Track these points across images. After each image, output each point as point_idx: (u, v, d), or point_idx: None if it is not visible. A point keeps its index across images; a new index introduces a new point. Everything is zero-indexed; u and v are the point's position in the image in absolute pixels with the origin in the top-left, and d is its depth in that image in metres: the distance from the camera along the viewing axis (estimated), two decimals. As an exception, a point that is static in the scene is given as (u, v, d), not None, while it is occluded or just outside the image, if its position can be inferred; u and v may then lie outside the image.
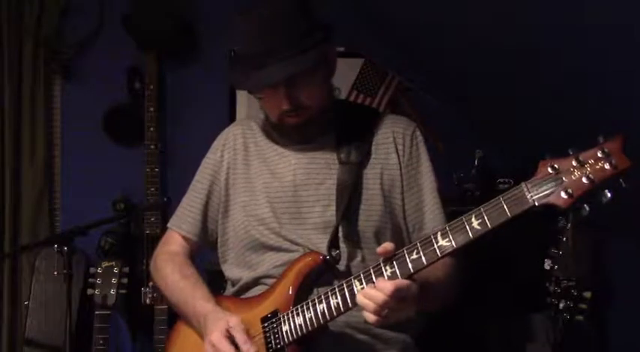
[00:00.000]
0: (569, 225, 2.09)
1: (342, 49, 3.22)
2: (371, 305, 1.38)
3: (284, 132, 1.71)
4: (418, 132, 1.75)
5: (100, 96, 3.13)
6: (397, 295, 1.36)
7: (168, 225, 1.86)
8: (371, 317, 1.39)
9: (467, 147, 2.96)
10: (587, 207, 1.26)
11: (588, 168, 1.24)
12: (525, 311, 2.46)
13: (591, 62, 2.07)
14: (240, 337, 1.53)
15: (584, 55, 2.07)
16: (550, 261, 2.09)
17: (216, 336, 1.55)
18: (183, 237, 1.82)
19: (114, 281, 2.43)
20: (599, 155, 1.24)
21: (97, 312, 2.43)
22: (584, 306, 2.04)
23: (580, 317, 2.04)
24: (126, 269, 2.46)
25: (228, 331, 1.54)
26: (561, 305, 2.04)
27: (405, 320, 1.59)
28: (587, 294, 2.04)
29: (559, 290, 2.05)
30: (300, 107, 1.62)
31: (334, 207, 1.63)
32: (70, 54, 3.12)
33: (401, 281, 1.38)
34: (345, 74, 3.21)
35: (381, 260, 1.43)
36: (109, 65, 3.13)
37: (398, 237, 1.67)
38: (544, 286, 2.10)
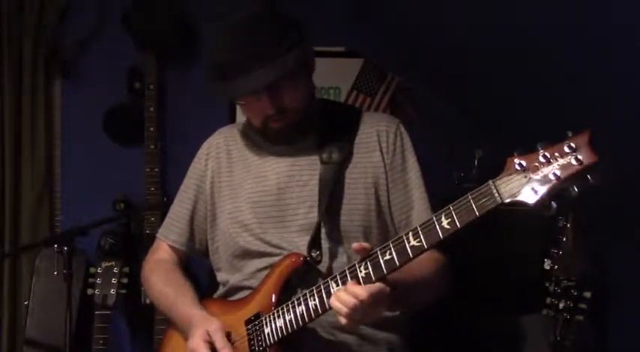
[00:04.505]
0: (569, 225, 2.09)
1: (342, 49, 3.23)
2: (343, 309, 1.39)
3: (267, 135, 1.71)
4: (402, 129, 1.75)
5: (100, 96, 3.13)
6: (369, 299, 1.37)
7: (157, 234, 1.88)
8: (343, 321, 1.40)
9: (467, 147, 2.96)
10: (554, 204, 1.24)
11: (555, 164, 1.22)
12: (524, 311, 2.46)
13: (592, 62, 2.07)
14: (218, 341, 1.54)
15: (584, 55, 2.07)
16: (550, 261, 2.09)
17: (195, 342, 1.56)
18: (171, 247, 1.84)
19: (114, 281, 2.43)
20: (566, 150, 1.21)
21: (97, 312, 2.43)
22: (584, 306, 2.04)
23: (580, 317, 2.04)
24: (126, 270, 2.47)
25: (208, 335, 1.55)
26: (561, 305, 2.04)
27: (393, 319, 1.60)
28: (587, 294, 2.04)
29: (559, 290, 2.06)
30: (284, 111, 1.61)
31: (317, 208, 1.63)
32: (70, 54, 3.12)
33: (372, 286, 1.39)
34: (345, 74, 3.20)
35: (356, 261, 1.44)
36: (109, 65, 3.13)
37: (385, 235, 1.68)
38: (544, 286, 2.10)
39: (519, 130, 2.78)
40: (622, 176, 1.74)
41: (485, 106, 3.00)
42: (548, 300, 2.08)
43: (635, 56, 1.90)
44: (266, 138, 1.73)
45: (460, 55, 2.74)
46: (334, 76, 3.19)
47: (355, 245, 1.43)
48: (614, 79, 2.06)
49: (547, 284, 2.09)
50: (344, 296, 1.39)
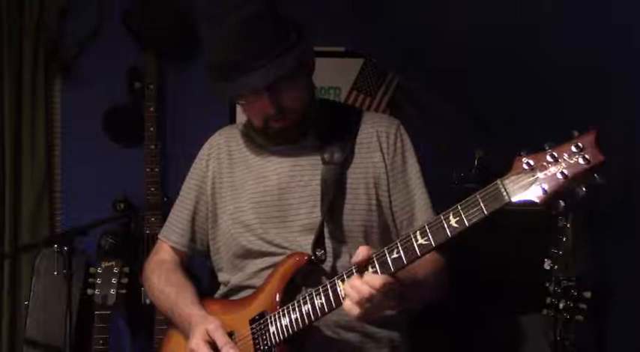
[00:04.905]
0: (569, 225, 2.09)
1: (342, 49, 3.24)
2: (355, 296, 1.39)
3: (268, 135, 1.71)
4: (402, 130, 1.76)
5: (100, 96, 3.13)
6: (384, 288, 1.37)
7: (159, 235, 1.89)
8: (353, 308, 1.39)
9: (467, 147, 2.96)
10: (561, 203, 1.25)
11: (562, 164, 1.23)
12: (524, 311, 2.47)
13: (592, 62, 2.07)
14: (219, 339, 1.54)
15: (584, 55, 2.07)
16: (550, 261, 2.09)
17: (196, 342, 1.56)
18: (172, 248, 1.84)
19: (114, 281, 2.43)
20: (573, 149, 1.23)
21: (97, 312, 2.43)
22: (584, 306, 2.05)
23: (580, 317, 2.04)
24: (126, 269, 2.47)
25: (207, 334, 1.55)
26: (561, 305, 2.04)
27: (395, 318, 1.60)
28: (587, 294, 2.04)
29: (559, 290, 2.06)
30: (284, 111, 1.62)
31: (320, 208, 1.63)
32: (70, 54, 3.13)
33: (385, 276, 1.38)
34: (345, 74, 3.21)
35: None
36: (109, 65, 3.13)
37: (386, 234, 1.69)
38: (544, 286, 2.10)
39: (519, 130, 2.79)
40: (622, 176, 1.74)
41: (485, 106, 3.00)
42: (548, 300, 2.08)
43: (634, 56, 1.90)
44: (267, 139, 1.73)
45: (460, 55, 2.75)
46: (334, 76, 3.19)
47: (354, 259, 1.42)
48: (613, 79, 2.06)
49: (547, 284, 2.09)
50: (358, 284, 1.39)
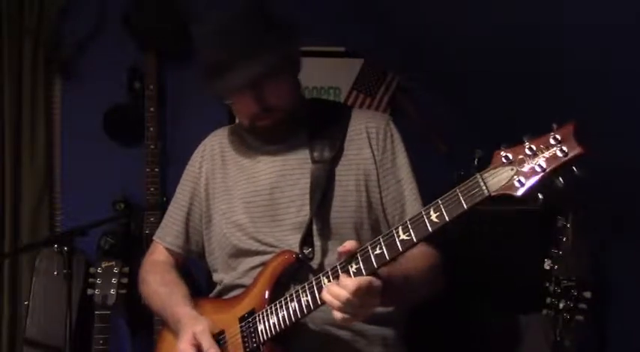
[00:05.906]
0: (569, 225, 2.09)
1: (342, 49, 3.23)
2: (335, 302, 1.39)
3: (257, 135, 1.72)
4: (392, 125, 1.77)
5: (100, 96, 3.13)
6: (359, 292, 1.37)
7: (154, 237, 1.90)
8: (337, 315, 1.40)
9: (467, 147, 2.96)
10: (540, 196, 1.24)
11: (540, 156, 1.23)
12: (524, 311, 2.47)
13: (592, 62, 2.07)
14: (205, 342, 1.55)
15: (584, 54, 2.07)
16: (550, 261, 2.09)
17: (183, 346, 1.57)
18: (167, 249, 1.85)
19: (114, 281, 2.43)
20: (551, 142, 1.23)
21: (97, 312, 2.43)
22: (584, 306, 2.05)
23: (580, 317, 2.04)
24: (126, 269, 2.47)
25: (194, 338, 1.56)
26: (561, 305, 2.04)
27: (387, 315, 1.60)
28: (587, 294, 2.05)
29: (559, 290, 2.06)
30: (270, 108, 1.63)
31: (309, 206, 1.64)
32: (70, 54, 3.12)
33: (363, 279, 1.38)
34: (345, 74, 3.21)
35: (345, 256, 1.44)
36: (109, 65, 3.13)
37: (378, 230, 1.69)
38: (544, 286, 2.10)
39: (519, 130, 2.78)
40: (622, 175, 1.74)
41: (485, 106, 3.00)
42: (548, 300, 2.08)
43: (636, 56, 1.90)
44: (257, 138, 1.75)
45: (460, 55, 2.75)
46: (334, 76, 3.19)
47: (340, 249, 1.43)
48: (614, 79, 2.06)
49: (547, 284, 2.09)
50: (335, 290, 1.39)
